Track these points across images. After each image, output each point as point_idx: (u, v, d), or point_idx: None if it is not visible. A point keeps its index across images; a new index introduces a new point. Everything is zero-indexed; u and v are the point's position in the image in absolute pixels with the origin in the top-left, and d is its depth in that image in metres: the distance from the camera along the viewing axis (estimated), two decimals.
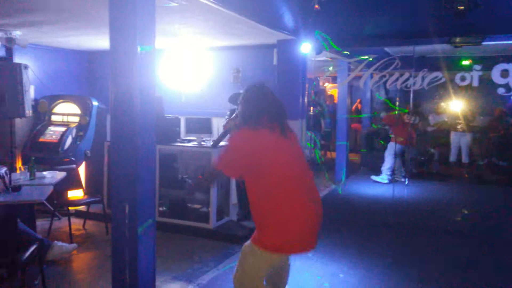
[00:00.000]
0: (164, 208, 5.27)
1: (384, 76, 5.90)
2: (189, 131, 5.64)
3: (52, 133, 5.95)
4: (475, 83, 5.29)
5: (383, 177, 7.85)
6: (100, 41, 6.01)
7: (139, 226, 2.83)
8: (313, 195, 2.54)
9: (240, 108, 2.60)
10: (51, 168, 4.84)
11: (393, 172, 7.84)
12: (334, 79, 11.69)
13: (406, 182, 7.63)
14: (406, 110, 7.61)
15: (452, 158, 8.46)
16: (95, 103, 6.12)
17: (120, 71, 2.88)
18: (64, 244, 4.16)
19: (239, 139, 2.53)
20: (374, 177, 7.96)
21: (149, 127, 2.92)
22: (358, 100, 11.02)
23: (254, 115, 2.49)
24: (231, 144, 2.58)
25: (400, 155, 7.84)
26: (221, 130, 5.62)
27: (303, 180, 2.52)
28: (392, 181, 7.71)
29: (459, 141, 8.32)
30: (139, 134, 2.83)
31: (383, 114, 8.35)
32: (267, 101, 2.55)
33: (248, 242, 2.56)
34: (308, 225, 2.48)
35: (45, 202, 3.94)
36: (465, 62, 6.60)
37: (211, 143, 5.12)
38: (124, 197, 2.87)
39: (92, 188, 5.67)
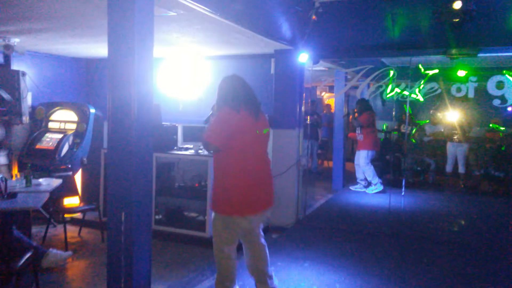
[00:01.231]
0: (161, 216, 5.25)
1: (381, 86, 5.94)
2: (186, 139, 5.65)
3: (49, 140, 5.94)
4: (471, 94, 5.33)
5: (377, 186, 7.77)
6: (98, 49, 6.04)
7: (135, 234, 2.82)
8: (263, 170, 3.15)
9: (217, 95, 3.19)
10: (48, 175, 4.83)
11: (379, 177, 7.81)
12: (331, 89, 11.77)
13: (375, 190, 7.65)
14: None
15: (448, 168, 8.50)
16: (92, 110, 6.13)
17: (118, 79, 2.90)
18: (59, 251, 4.13)
19: (223, 115, 3.07)
20: (369, 190, 7.84)
21: (146, 135, 2.93)
22: (355, 110, 11.06)
23: (229, 99, 3.07)
24: (216, 118, 3.10)
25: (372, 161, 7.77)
26: None
27: (260, 160, 3.13)
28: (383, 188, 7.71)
29: (455, 151, 8.35)
30: (136, 142, 2.83)
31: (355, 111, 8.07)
32: (239, 87, 3.14)
33: (213, 213, 3.16)
34: (258, 192, 3.08)
35: (40, 209, 3.93)
36: (461, 73, 6.65)
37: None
38: (120, 205, 2.86)
39: (88, 195, 5.66)
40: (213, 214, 3.20)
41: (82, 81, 7.19)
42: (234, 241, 3.20)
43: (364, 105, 7.81)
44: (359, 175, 7.96)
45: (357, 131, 7.80)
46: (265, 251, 3.34)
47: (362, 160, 7.70)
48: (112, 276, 2.92)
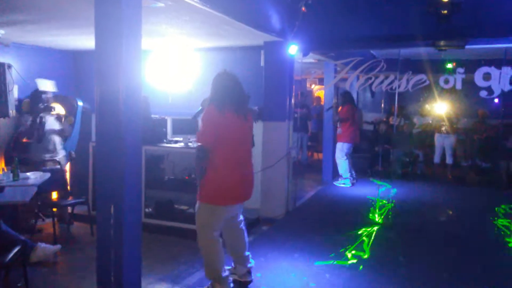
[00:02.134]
0: (150, 209, 5.24)
1: (370, 78, 5.97)
2: (175, 131, 5.62)
3: None
4: (458, 86, 5.38)
5: (346, 181, 7.76)
6: (86, 41, 5.96)
7: (124, 228, 2.81)
8: (245, 166, 3.43)
9: (210, 91, 3.38)
10: (35, 169, 4.78)
11: (351, 173, 7.78)
12: (321, 81, 11.78)
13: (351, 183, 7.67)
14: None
15: (436, 159, 8.59)
16: (80, 103, 6.06)
17: (105, 71, 2.87)
18: (47, 245, 4.11)
19: (209, 117, 3.27)
20: (336, 183, 7.86)
21: (135, 128, 2.91)
22: (335, 102, 11.08)
23: (217, 99, 3.29)
24: (203, 122, 3.30)
25: (350, 154, 7.75)
26: None
27: (244, 155, 3.41)
28: (353, 182, 7.71)
29: (443, 142, 8.45)
30: (125, 135, 2.81)
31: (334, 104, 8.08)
32: (230, 87, 3.33)
33: (197, 202, 3.38)
34: (239, 186, 3.37)
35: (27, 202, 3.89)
36: (449, 65, 6.71)
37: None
38: (110, 198, 2.85)
39: (77, 189, 5.61)
40: (198, 204, 3.39)
41: (70, 74, 7.09)
42: (220, 227, 3.45)
43: (346, 98, 7.80)
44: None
45: (338, 124, 7.83)
46: (244, 235, 3.65)
47: (338, 152, 7.72)
48: (102, 269, 2.92)
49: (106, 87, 2.87)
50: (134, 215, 2.95)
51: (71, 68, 7.12)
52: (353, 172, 7.89)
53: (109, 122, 2.85)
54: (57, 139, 5.40)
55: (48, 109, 5.31)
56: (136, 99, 2.92)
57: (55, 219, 4.71)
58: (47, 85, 5.52)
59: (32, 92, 5.41)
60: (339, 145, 7.71)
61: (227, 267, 3.56)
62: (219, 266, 3.38)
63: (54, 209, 4.76)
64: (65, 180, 5.18)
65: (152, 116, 5.31)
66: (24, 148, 5.36)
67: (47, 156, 5.26)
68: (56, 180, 4.92)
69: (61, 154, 5.41)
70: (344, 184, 7.74)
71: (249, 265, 3.68)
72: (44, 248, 4.04)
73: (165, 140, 5.36)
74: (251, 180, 3.53)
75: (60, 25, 4.86)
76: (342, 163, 7.72)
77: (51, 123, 5.34)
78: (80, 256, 4.32)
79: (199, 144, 3.30)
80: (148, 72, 6.46)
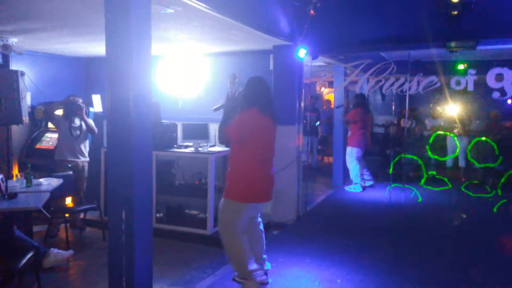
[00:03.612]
0: (161, 214, 5.26)
1: (380, 80, 5.93)
2: (186, 137, 5.64)
3: (49, 140, 5.94)
4: (470, 88, 5.31)
5: (356, 186, 7.63)
6: (97, 47, 6.03)
7: (136, 233, 2.82)
8: (270, 167, 3.60)
9: (243, 92, 3.59)
10: (48, 175, 4.83)
11: (363, 177, 7.67)
12: (330, 84, 11.75)
13: (369, 184, 7.60)
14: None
15: (449, 162, 8.48)
16: (92, 109, 6.12)
17: (116, 77, 2.89)
18: (60, 251, 4.14)
19: (241, 117, 3.47)
20: (347, 188, 7.73)
21: (145, 133, 2.92)
22: (344, 104, 11.00)
23: (254, 99, 3.47)
24: (237, 119, 3.49)
25: (362, 158, 7.62)
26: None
27: (268, 156, 3.59)
28: (363, 187, 7.60)
29: (456, 144, 8.34)
30: (136, 140, 2.83)
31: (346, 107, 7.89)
32: (265, 90, 3.57)
33: (222, 200, 3.52)
34: (265, 185, 3.54)
35: (41, 209, 3.93)
36: (460, 67, 6.63)
37: (208, 148, 5.14)
38: (121, 204, 2.86)
39: (89, 194, 5.65)
40: (223, 201, 3.51)
41: (81, 80, 7.18)
42: (244, 226, 3.54)
43: (356, 101, 7.63)
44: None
45: (347, 127, 7.73)
46: (262, 236, 3.75)
47: (347, 156, 7.61)
48: (114, 275, 2.92)
49: (116, 93, 2.89)
50: (146, 221, 2.96)
51: (83, 74, 7.21)
52: (367, 176, 7.78)
53: (120, 127, 2.86)
54: (87, 143, 5.47)
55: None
56: (146, 105, 2.93)
57: (67, 225, 4.75)
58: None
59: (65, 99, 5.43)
60: (348, 150, 7.63)
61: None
62: (246, 260, 3.45)
63: (67, 215, 4.80)
64: (77, 185, 5.22)
65: (162, 121, 5.34)
66: (38, 154, 5.43)
67: (81, 158, 5.34)
68: (69, 185, 4.97)
69: (87, 158, 5.46)
70: (354, 189, 7.64)
71: (265, 268, 3.73)
72: (57, 254, 4.07)
73: (175, 145, 5.38)
74: (273, 180, 3.67)
75: (72, 32, 4.92)
76: (352, 168, 7.62)
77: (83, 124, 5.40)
78: (92, 262, 4.34)
79: (225, 132, 3.49)
80: (158, 78, 6.51)
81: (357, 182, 7.63)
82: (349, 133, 7.66)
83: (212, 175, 4.92)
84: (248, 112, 3.46)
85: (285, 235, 5.20)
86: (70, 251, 4.26)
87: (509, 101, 7.81)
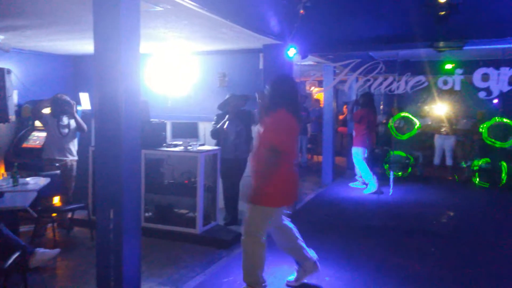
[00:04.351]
0: (150, 214, 5.23)
1: (369, 80, 5.97)
2: (175, 135, 5.61)
3: (36, 139, 5.87)
4: (457, 87, 5.38)
5: (370, 186, 7.38)
6: (85, 45, 5.97)
7: (124, 232, 2.81)
8: (295, 167, 3.49)
9: (268, 93, 3.40)
10: (35, 174, 4.78)
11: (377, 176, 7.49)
12: (320, 83, 11.78)
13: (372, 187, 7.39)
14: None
15: (436, 160, 8.59)
16: (79, 107, 6.06)
17: (104, 75, 2.87)
18: (46, 250, 4.09)
19: (282, 117, 3.28)
20: (352, 184, 7.70)
21: (134, 132, 2.91)
22: (345, 106, 11.08)
23: (286, 101, 3.31)
24: (276, 124, 3.28)
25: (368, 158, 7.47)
26: (207, 134, 5.62)
27: (294, 159, 3.46)
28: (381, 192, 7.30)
29: (443, 143, 8.45)
30: (124, 139, 2.82)
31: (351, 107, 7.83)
32: (294, 91, 3.41)
33: (251, 206, 3.32)
34: (295, 186, 3.50)
35: (28, 208, 3.89)
36: (448, 66, 6.71)
37: (198, 147, 5.13)
38: (109, 203, 2.85)
39: (77, 194, 5.60)
40: (252, 207, 3.32)
41: (69, 78, 7.11)
42: (266, 232, 3.45)
43: (363, 101, 7.50)
44: (357, 172, 7.79)
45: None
46: (289, 226, 3.65)
47: (354, 157, 7.52)
48: (101, 274, 2.91)
49: (105, 91, 2.88)
50: (134, 220, 2.95)
51: (71, 72, 7.13)
52: (361, 179, 7.69)
53: (108, 126, 2.85)
54: (75, 141, 5.42)
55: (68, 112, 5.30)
56: (135, 103, 2.92)
57: (55, 224, 4.70)
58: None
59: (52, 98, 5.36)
60: (354, 150, 7.47)
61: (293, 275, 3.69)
62: (260, 271, 3.41)
63: (54, 214, 4.75)
64: (65, 184, 5.17)
65: (151, 120, 5.31)
66: (25, 153, 5.36)
67: (69, 157, 5.28)
68: (57, 185, 4.91)
69: (75, 157, 5.41)
70: (367, 189, 7.39)
71: (314, 257, 3.71)
72: (43, 253, 4.02)
73: (164, 144, 5.36)
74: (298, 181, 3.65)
75: (59, 30, 4.87)
76: (361, 169, 7.45)
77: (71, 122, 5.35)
78: (80, 262, 4.30)
79: (272, 145, 3.20)
80: (147, 76, 6.47)
81: (370, 181, 7.37)
82: (354, 133, 7.55)
83: (201, 174, 4.91)
84: (277, 113, 3.30)
85: None
86: (57, 250, 4.21)
87: (495, 101, 7.91)
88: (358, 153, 7.42)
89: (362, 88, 6.62)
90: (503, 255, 4.55)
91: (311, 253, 3.72)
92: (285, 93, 3.35)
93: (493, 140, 7.07)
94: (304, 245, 3.67)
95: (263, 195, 3.28)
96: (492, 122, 7.02)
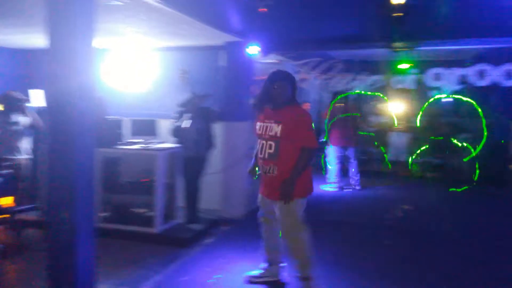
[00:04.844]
0: (107, 214, 5.09)
1: (328, 78, 6.09)
2: (135, 133, 5.48)
3: None
4: (411, 86, 5.59)
5: (331, 185, 7.52)
6: (38, 39, 5.72)
7: (77, 233, 2.72)
8: None
9: (288, 90, 3.38)
10: None
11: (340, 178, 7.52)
12: None
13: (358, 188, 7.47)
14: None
15: (392, 157, 8.87)
16: (28, 104, 5.79)
17: (58, 70, 2.77)
18: None
19: (309, 117, 3.42)
20: (323, 187, 7.66)
21: (88, 129, 2.82)
22: (308, 104, 11.19)
23: (293, 94, 3.41)
24: (307, 123, 3.38)
25: (343, 158, 7.47)
26: (167, 132, 5.52)
27: None
28: (342, 188, 7.44)
29: (398, 140, 8.74)
30: (77, 137, 2.73)
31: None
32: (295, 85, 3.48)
33: (291, 203, 3.32)
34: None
35: None
36: (403, 66, 6.94)
37: (156, 145, 5.04)
38: (62, 203, 2.75)
39: (32, 194, 5.36)
40: (294, 202, 3.35)
41: (22, 74, 6.78)
42: None
43: (331, 99, 7.51)
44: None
45: None
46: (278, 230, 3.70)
47: (329, 154, 7.48)
48: (53, 278, 2.81)
49: (58, 87, 2.77)
50: (87, 220, 2.86)
51: (24, 67, 6.81)
52: (353, 180, 7.59)
53: (61, 124, 2.75)
54: (26, 139, 5.17)
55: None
56: (89, 100, 2.83)
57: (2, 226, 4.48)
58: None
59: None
60: (331, 148, 7.42)
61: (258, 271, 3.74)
62: (311, 264, 3.43)
63: (1, 216, 4.53)
64: (17, 184, 4.94)
65: (108, 117, 5.16)
66: None
67: (18, 155, 5.05)
68: (5, 185, 4.68)
69: (25, 156, 5.17)
70: (329, 188, 7.47)
71: (283, 265, 3.75)
72: None
73: (121, 142, 5.21)
74: None
75: (10, 22, 4.65)
76: (330, 168, 7.48)
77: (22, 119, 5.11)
78: (31, 264, 4.11)
79: (309, 148, 3.34)
80: (104, 72, 6.28)
81: (333, 181, 7.42)
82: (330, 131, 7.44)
83: (160, 172, 4.83)
84: (298, 108, 3.44)
85: (234, 231, 5.21)
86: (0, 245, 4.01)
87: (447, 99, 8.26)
88: (329, 151, 7.44)
89: (321, 87, 6.74)
90: (453, 244, 4.77)
91: (284, 261, 3.75)
92: (295, 88, 3.44)
93: (442, 138, 7.38)
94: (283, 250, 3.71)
95: (301, 187, 3.39)
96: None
